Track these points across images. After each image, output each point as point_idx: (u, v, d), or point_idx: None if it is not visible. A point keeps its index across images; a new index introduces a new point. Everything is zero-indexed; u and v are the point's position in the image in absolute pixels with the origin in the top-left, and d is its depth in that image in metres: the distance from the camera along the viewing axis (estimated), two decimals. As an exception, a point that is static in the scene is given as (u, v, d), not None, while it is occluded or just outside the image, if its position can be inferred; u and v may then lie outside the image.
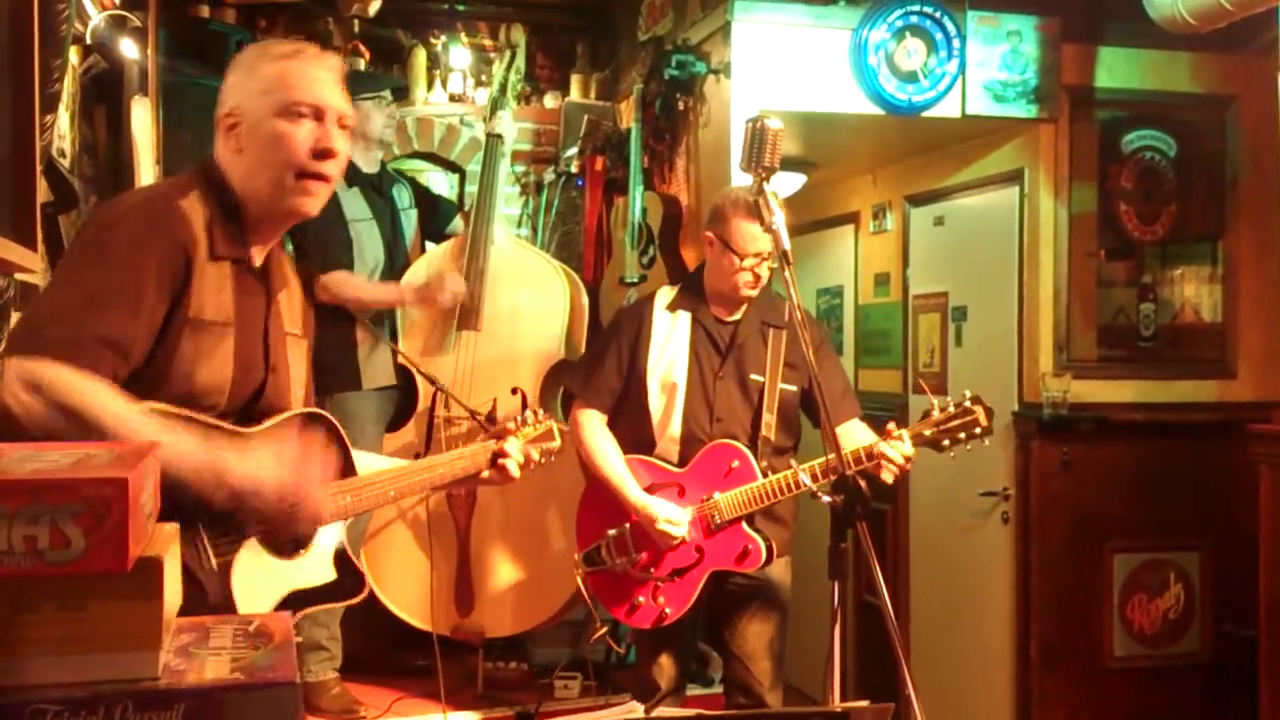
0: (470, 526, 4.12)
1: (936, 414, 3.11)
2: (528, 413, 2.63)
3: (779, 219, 2.40)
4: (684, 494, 3.29)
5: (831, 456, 3.09)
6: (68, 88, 3.46)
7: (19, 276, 2.82)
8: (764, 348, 3.35)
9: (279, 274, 2.17)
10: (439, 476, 2.36)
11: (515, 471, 2.44)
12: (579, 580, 3.35)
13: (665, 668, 3.42)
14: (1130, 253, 4.77)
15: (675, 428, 3.34)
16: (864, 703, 1.92)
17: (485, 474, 2.44)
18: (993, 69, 4.47)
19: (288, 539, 2.05)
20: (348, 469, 2.18)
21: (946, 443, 3.10)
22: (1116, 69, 4.66)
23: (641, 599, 3.30)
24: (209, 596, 1.90)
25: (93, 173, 4.06)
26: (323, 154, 2.00)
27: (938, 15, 4.30)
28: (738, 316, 3.39)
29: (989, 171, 4.95)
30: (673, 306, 3.43)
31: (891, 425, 3.13)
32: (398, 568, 4.11)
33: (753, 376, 3.33)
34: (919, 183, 5.44)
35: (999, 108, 4.50)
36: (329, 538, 2.14)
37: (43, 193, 2.90)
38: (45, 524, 1.08)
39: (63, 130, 3.54)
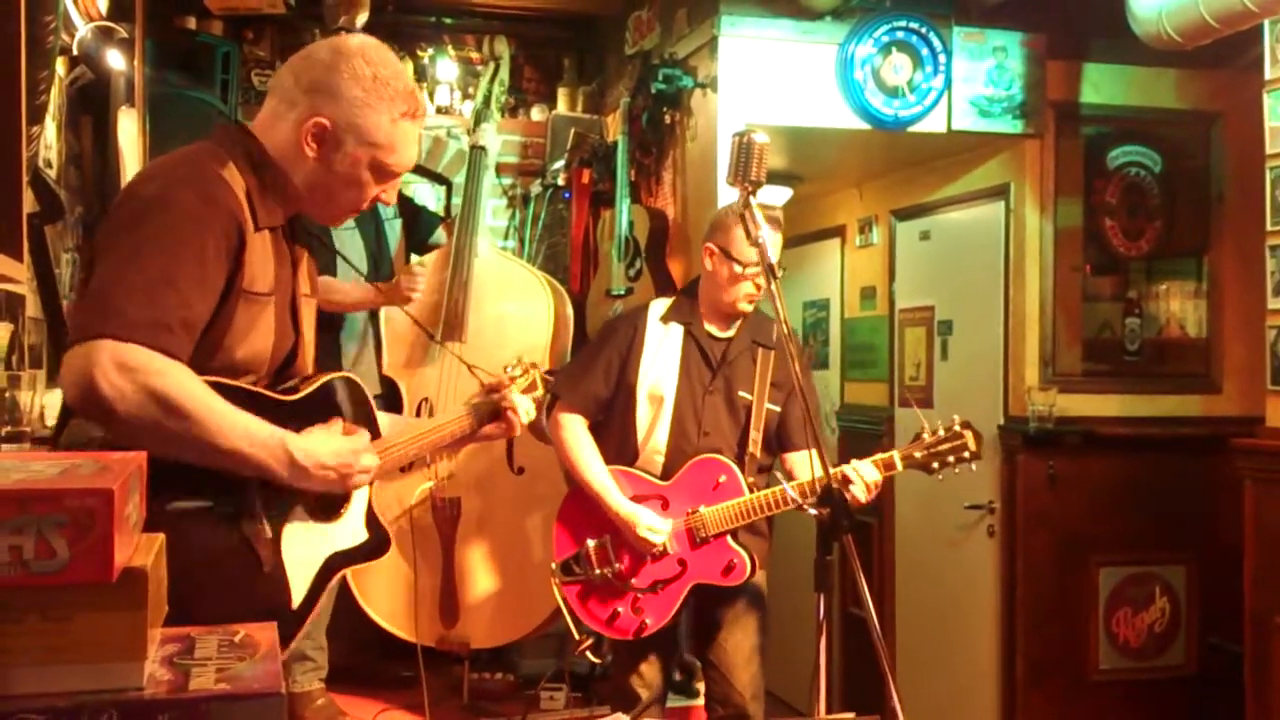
0: (455, 538, 4.12)
1: (927, 437, 3.15)
2: (514, 365, 2.68)
3: (765, 232, 2.41)
4: (668, 506, 3.28)
5: (819, 476, 3.13)
6: (54, 99, 3.46)
7: (4, 287, 2.81)
8: (753, 366, 3.37)
9: (299, 236, 2.21)
10: (449, 434, 2.45)
11: (525, 419, 2.53)
12: (555, 589, 3.36)
13: (645, 676, 3.41)
14: (1116, 268, 4.79)
15: (660, 440, 3.34)
16: (850, 715, 1.92)
17: (487, 429, 2.53)
18: (978, 85, 4.49)
19: (330, 502, 2.14)
20: (374, 431, 2.24)
21: (936, 465, 3.15)
22: (1102, 85, 4.69)
23: (621, 610, 3.29)
24: (264, 566, 1.97)
25: (79, 183, 4.05)
26: (377, 201, 2.12)
27: (924, 31, 4.33)
28: (730, 333, 3.40)
29: (975, 186, 4.97)
30: (666, 318, 3.43)
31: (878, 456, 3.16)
32: (383, 579, 4.10)
33: (740, 394, 3.34)
34: (905, 197, 5.46)
35: (985, 123, 4.52)
36: (360, 499, 2.22)
37: (29, 203, 2.90)
38: (31, 534, 1.07)
39: (49, 141, 3.54)
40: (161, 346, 1.76)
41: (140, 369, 1.73)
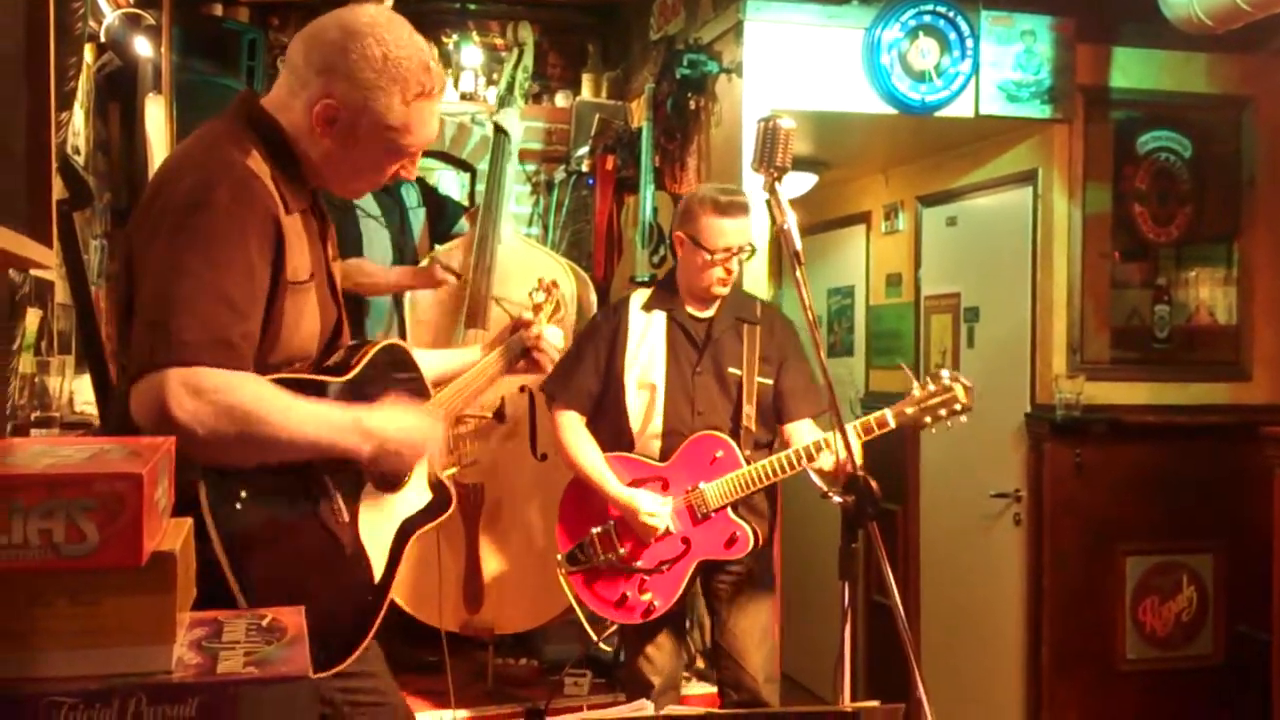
0: (479, 523, 4.13)
1: (917, 393, 3.16)
2: (537, 293, 2.71)
3: (791, 219, 2.40)
4: (668, 487, 3.33)
5: (818, 439, 3.16)
6: (82, 85, 3.47)
7: (34, 273, 2.83)
8: (739, 343, 3.41)
9: (321, 206, 2.18)
10: (487, 380, 2.54)
11: (553, 353, 2.64)
12: (562, 581, 3.38)
13: (655, 662, 3.43)
14: (1145, 254, 4.75)
15: (656, 424, 3.39)
16: (875, 703, 1.92)
17: (519, 365, 2.61)
18: (1006, 69, 4.45)
19: (396, 475, 2.18)
20: (425, 393, 2.29)
21: (928, 420, 3.16)
22: (1131, 69, 4.65)
23: (628, 593, 3.33)
24: (345, 548, 2.01)
25: (107, 170, 4.08)
26: (398, 176, 2.14)
27: (951, 15, 4.30)
28: (711, 313, 3.44)
29: (1002, 172, 4.94)
30: (648, 306, 3.48)
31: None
32: (407, 564, 4.07)
33: (730, 370, 3.39)
34: (931, 183, 5.43)
35: (1013, 108, 4.49)
36: (420, 463, 2.25)
37: (57, 190, 2.91)
38: (60, 518, 1.08)
39: (77, 128, 3.56)
40: (227, 363, 1.77)
41: (211, 390, 1.74)
